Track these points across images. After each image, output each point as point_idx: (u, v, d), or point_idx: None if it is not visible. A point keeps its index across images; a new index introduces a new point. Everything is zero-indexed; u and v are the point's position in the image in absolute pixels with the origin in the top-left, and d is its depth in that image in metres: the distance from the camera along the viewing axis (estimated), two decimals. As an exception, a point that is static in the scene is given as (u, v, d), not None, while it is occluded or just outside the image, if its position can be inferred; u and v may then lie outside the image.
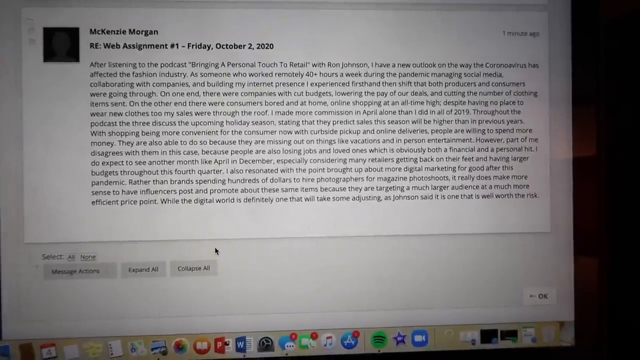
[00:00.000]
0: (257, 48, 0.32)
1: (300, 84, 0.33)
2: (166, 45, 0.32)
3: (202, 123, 0.32)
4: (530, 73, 0.33)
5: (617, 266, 0.35)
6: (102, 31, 0.32)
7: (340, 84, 0.33)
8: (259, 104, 0.32)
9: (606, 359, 0.34)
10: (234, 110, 0.32)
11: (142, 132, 0.32)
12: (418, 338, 0.33)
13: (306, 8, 0.32)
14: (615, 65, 0.35)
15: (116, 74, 0.32)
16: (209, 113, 0.32)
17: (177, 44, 0.32)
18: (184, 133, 0.32)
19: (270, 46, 0.32)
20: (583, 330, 0.34)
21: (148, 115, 0.32)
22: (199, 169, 0.32)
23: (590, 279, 0.33)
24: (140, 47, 0.32)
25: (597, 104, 0.33)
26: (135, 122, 0.32)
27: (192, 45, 0.32)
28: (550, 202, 0.33)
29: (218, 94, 0.32)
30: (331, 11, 0.33)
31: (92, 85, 0.32)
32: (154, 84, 0.32)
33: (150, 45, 0.32)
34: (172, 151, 0.32)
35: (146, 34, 0.32)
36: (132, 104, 0.32)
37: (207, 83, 0.32)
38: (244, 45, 0.32)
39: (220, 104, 0.32)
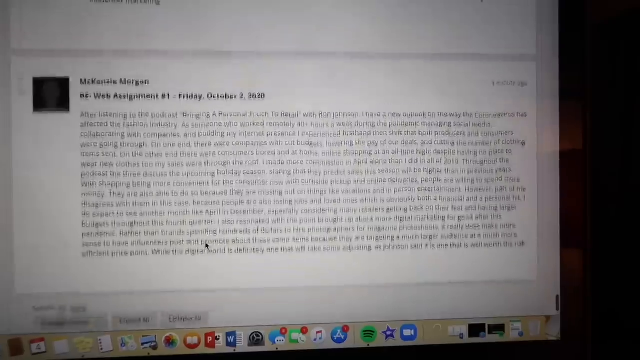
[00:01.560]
0: (249, 98, 0.33)
1: (291, 134, 0.33)
2: (157, 95, 0.32)
3: (193, 173, 0.32)
4: (519, 122, 0.34)
5: (602, 261, 0.35)
6: (93, 81, 0.32)
7: (332, 134, 0.33)
8: (250, 153, 0.32)
9: (591, 352, 0.35)
10: (225, 160, 0.32)
11: (133, 182, 0.32)
12: (407, 332, 0.34)
13: (297, 58, 0.33)
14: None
15: (107, 124, 0.32)
16: (200, 163, 0.32)
17: (168, 94, 0.32)
18: (175, 184, 0.32)
19: (262, 96, 0.33)
20: (568, 324, 0.34)
21: (139, 166, 0.32)
22: (190, 219, 0.32)
23: (576, 273, 0.34)
24: (131, 97, 0.32)
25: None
26: (127, 173, 0.32)
27: (184, 96, 0.32)
28: (537, 251, 0.34)
29: (209, 144, 0.32)
30: (322, 61, 0.33)
31: (82, 135, 0.32)
32: (145, 134, 0.32)
33: (142, 95, 0.32)
34: (163, 202, 0.32)
35: (137, 84, 0.32)
36: (123, 154, 0.32)
37: (199, 133, 0.32)
38: (235, 95, 0.32)
39: (211, 154, 0.32)
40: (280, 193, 0.33)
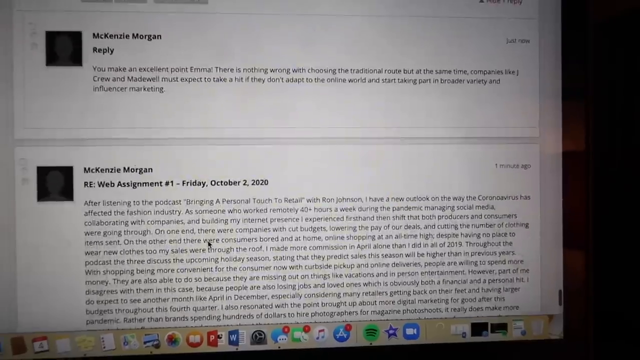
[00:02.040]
0: (252, 184, 0.33)
1: (294, 220, 0.33)
2: (161, 182, 0.32)
3: (197, 260, 0.32)
4: (522, 205, 0.34)
5: (605, 260, 0.35)
6: (97, 169, 0.32)
7: (335, 219, 0.33)
8: (253, 240, 0.33)
9: (593, 352, 0.35)
10: (228, 246, 0.32)
11: (137, 270, 0.32)
12: (409, 331, 0.34)
13: (300, 144, 0.33)
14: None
15: (111, 212, 0.32)
16: (204, 250, 0.32)
17: (172, 182, 0.32)
18: (178, 270, 0.32)
19: (265, 182, 0.33)
20: (571, 323, 0.34)
21: (143, 253, 0.32)
22: (194, 305, 0.32)
23: (578, 273, 0.34)
24: (134, 185, 0.32)
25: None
26: (130, 260, 0.32)
27: (187, 183, 0.32)
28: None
29: (213, 230, 0.32)
30: (325, 147, 0.33)
31: (86, 224, 0.32)
32: (149, 222, 0.32)
33: (145, 183, 0.32)
34: (167, 289, 0.32)
35: (141, 172, 0.32)
36: (127, 242, 0.32)
37: (202, 220, 0.32)
38: (238, 182, 0.32)
39: (215, 240, 0.32)
40: (284, 278, 0.33)
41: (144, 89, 0.32)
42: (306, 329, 0.33)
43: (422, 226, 0.33)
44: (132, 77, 0.32)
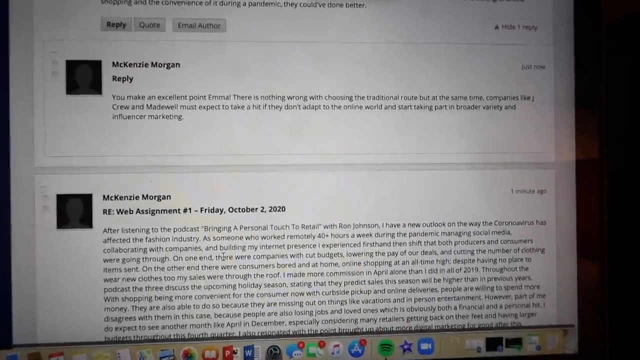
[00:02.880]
0: (269, 211, 0.33)
1: (311, 246, 0.33)
2: (179, 210, 0.32)
3: (214, 287, 0.32)
4: (538, 230, 0.34)
5: (621, 273, 0.35)
6: (115, 197, 0.32)
7: (352, 245, 0.33)
8: (270, 266, 0.33)
9: None
10: (246, 273, 0.33)
11: (155, 296, 0.32)
12: (424, 346, 0.34)
13: (318, 170, 0.33)
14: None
15: (129, 239, 0.32)
16: (221, 276, 0.32)
17: (189, 209, 0.32)
18: (196, 297, 0.32)
19: (282, 209, 0.33)
20: (587, 337, 0.34)
21: (161, 280, 0.32)
22: (212, 332, 0.32)
23: (594, 286, 0.34)
24: (153, 213, 0.32)
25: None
26: (149, 287, 0.32)
27: (205, 209, 0.32)
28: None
29: (231, 257, 0.32)
30: (342, 172, 0.33)
31: (105, 251, 0.32)
32: (167, 249, 0.32)
33: (163, 210, 0.32)
34: (185, 315, 0.32)
35: (159, 199, 0.32)
36: (145, 269, 0.32)
37: (220, 247, 0.32)
38: (256, 209, 0.33)
39: (232, 267, 0.32)
40: (301, 304, 0.33)
41: (163, 116, 0.32)
42: (321, 344, 0.33)
43: (439, 252, 0.34)
44: (151, 105, 0.32)
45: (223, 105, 0.32)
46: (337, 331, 0.33)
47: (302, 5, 0.33)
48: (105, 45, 0.32)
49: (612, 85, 0.35)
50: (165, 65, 0.32)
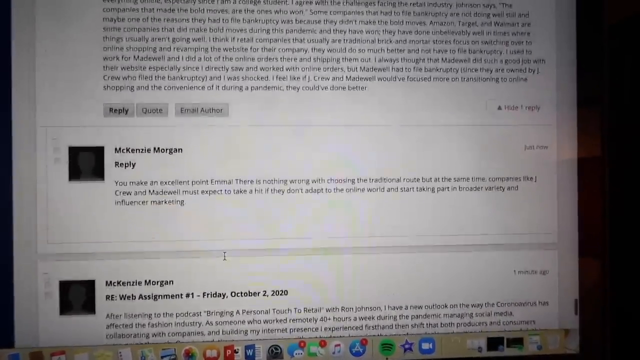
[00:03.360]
0: (272, 295, 0.33)
1: (314, 329, 0.33)
2: (181, 295, 0.32)
3: (217, 371, 0.33)
4: (540, 311, 0.34)
5: (622, 273, 0.35)
6: (118, 283, 0.32)
7: (354, 328, 0.33)
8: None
9: None
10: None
11: (158, 381, 0.32)
12: (425, 346, 0.34)
13: (321, 254, 0.33)
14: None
15: (132, 325, 0.32)
16: (224, 361, 0.33)
17: (192, 294, 0.32)
18: None
19: (285, 293, 0.33)
20: (588, 337, 0.34)
21: (164, 367, 0.32)
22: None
23: (595, 286, 0.34)
24: (155, 298, 0.32)
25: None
26: (151, 373, 0.32)
27: (207, 294, 0.32)
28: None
29: (233, 340, 0.33)
30: (345, 256, 0.33)
31: (108, 337, 0.32)
32: (170, 334, 0.32)
33: (166, 295, 0.32)
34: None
35: (161, 285, 0.32)
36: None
37: (222, 331, 0.32)
38: (258, 293, 0.33)
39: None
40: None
41: (165, 202, 0.32)
42: (322, 343, 0.33)
43: (442, 332, 0.34)
44: (153, 191, 0.32)
45: (225, 190, 0.32)
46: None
47: (304, 88, 0.33)
48: (108, 131, 0.32)
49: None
50: (168, 151, 0.32)
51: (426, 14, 0.33)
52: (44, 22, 0.31)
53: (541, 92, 0.34)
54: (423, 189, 0.33)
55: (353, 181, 0.33)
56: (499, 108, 0.34)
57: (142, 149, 0.32)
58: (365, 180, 0.33)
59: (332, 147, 0.33)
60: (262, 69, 0.33)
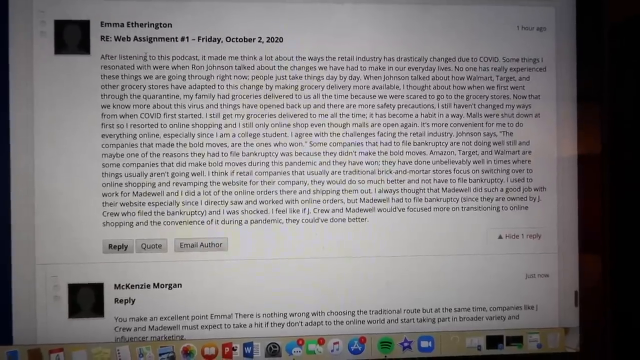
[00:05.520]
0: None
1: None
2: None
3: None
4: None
5: (622, 272, 0.35)
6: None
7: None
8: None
9: None
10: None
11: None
12: (424, 344, 0.34)
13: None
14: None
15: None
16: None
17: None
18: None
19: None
20: (588, 336, 0.34)
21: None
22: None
23: (595, 284, 0.34)
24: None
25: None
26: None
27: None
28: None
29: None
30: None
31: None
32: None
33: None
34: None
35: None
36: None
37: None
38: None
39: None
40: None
41: (165, 337, 0.32)
42: (321, 341, 0.33)
43: None
44: (152, 327, 0.32)
45: (225, 325, 0.32)
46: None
47: (303, 221, 0.33)
48: (107, 267, 0.32)
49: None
50: (167, 286, 0.32)
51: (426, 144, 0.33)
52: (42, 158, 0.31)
53: (543, 220, 0.34)
54: (424, 320, 0.33)
55: (353, 313, 0.33)
56: (500, 237, 0.34)
57: (142, 285, 0.32)
58: (366, 313, 0.33)
59: (333, 279, 0.33)
60: (261, 202, 0.32)
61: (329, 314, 0.33)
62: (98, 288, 0.32)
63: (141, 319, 0.32)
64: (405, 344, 0.34)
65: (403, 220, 0.33)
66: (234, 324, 0.33)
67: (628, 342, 0.35)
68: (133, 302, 0.32)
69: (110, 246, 0.32)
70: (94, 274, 0.32)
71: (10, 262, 0.31)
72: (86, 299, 0.32)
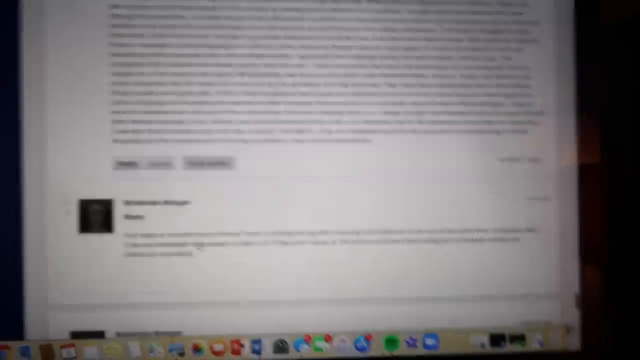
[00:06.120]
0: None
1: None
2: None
3: None
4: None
5: (623, 272, 0.35)
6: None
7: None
8: None
9: None
10: None
11: None
12: (429, 341, 0.34)
13: (325, 306, 0.34)
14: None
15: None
16: None
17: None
18: None
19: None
20: (589, 335, 0.35)
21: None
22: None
23: (597, 284, 0.34)
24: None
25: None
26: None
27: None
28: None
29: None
30: (350, 307, 0.34)
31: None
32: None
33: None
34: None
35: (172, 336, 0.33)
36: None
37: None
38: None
39: None
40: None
41: (174, 254, 0.33)
42: (327, 338, 0.34)
43: None
44: (162, 243, 0.33)
45: (233, 242, 0.33)
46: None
47: (308, 141, 0.33)
48: (117, 184, 0.33)
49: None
50: (176, 203, 0.33)
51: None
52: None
53: (542, 143, 0.34)
54: (427, 241, 0.34)
55: (358, 233, 0.34)
56: (500, 160, 0.34)
57: (151, 202, 0.33)
58: (370, 232, 0.34)
59: (338, 199, 0.34)
60: (266, 122, 0.33)
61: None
62: (107, 204, 0.33)
63: (150, 235, 0.33)
64: (411, 342, 0.34)
65: (405, 142, 0.34)
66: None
67: (629, 341, 0.36)
68: (142, 218, 0.33)
69: (119, 163, 0.33)
70: (105, 190, 0.33)
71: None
72: (96, 215, 0.33)
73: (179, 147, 0.33)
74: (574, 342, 0.35)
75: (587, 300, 0.34)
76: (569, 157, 0.34)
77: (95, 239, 0.33)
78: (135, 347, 0.33)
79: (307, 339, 0.34)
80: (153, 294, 0.33)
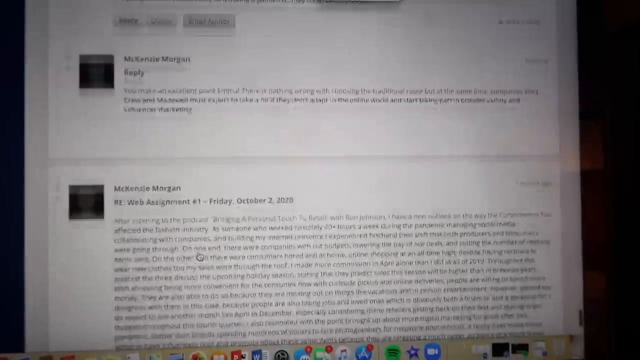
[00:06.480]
0: (278, 202, 0.33)
1: (319, 237, 0.33)
2: (188, 200, 0.33)
3: (223, 277, 0.33)
4: (543, 222, 0.34)
5: (626, 280, 0.35)
6: (127, 188, 0.33)
7: (358, 236, 0.34)
8: (278, 257, 0.33)
9: None
10: (254, 263, 0.33)
11: (165, 286, 0.33)
12: (431, 351, 0.34)
13: (325, 163, 0.33)
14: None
15: (139, 229, 0.33)
16: (229, 267, 0.33)
17: (199, 200, 0.33)
18: (205, 287, 0.33)
19: (290, 200, 0.33)
20: (592, 344, 0.34)
21: (170, 270, 0.33)
22: (220, 322, 0.33)
23: (600, 293, 0.34)
24: (163, 203, 0.33)
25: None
26: (158, 277, 0.33)
27: (214, 201, 0.33)
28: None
29: (239, 247, 0.33)
30: (348, 165, 0.34)
31: (116, 241, 0.32)
32: (177, 239, 0.33)
33: (173, 201, 0.33)
34: (194, 305, 0.33)
35: (169, 190, 0.33)
36: (155, 259, 0.33)
37: (228, 237, 0.33)
38: (264, 200, 0.33)
39: (241, 257, 0.33)
40: (308, 294, 0.33)
41: (173, 109, 0.33)
42: (328, 349, 0.34)
43: (445, 243, 0.34)
44: (161, 99, 0.33)
45: (232, 99, 0.33)
46: (343, 321, 0.34)
47: (310, 0, 0.34)
48: (118, 40, 0.33)
49: (616, 76, 0.35)
50: (176, 60, 0.33)
51: None
52: None
53: (542, 5, 0.35)
54: (426, 101, 0.34)
55: (357, 92, 0.34)
56: (500, 22, 0.34)
57: (151, 58, 0.33)
58: (369, 92, 0.34)
59: (337, 60, 0.34)
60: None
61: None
62: (109, 58, 0.33)
63: (150, 91, 0.33)
64: (412, 352, 0.34)
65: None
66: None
67: (632, 350, 0.35)
68: (142, 74, 0.33)
69: (120, 20, 0.33)
70: (105, 46, 0.33)
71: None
72: (97, 71, 0.33)
73: (180, 4, 0.33)
74: (577, 351, 0.35)
75: (591, 310, 0.34)
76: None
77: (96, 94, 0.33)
78: (135, 359, 0.33)
79: (308, 350, 0.34)
80: (150, 149, 0.33)
